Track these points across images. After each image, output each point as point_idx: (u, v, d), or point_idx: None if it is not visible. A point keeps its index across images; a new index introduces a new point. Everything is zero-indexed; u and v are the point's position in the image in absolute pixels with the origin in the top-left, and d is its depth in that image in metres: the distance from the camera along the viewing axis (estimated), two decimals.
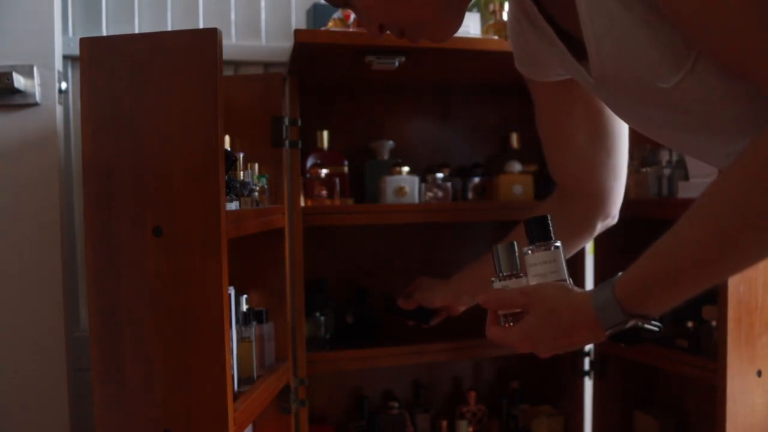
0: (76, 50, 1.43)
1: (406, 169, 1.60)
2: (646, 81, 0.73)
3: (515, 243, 0.89)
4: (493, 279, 0.90)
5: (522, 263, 0.89)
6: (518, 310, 0.85)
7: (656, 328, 0.77)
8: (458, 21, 0.89)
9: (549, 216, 0.88)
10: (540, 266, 0.86)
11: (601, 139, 1.10)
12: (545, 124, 1.14)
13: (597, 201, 1.16)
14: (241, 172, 1.20)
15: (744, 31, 0.63)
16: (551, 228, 0.87)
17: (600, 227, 1.20)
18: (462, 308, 1.41)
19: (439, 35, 0.89)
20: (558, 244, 0.87)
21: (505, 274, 0.89)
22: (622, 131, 1.11)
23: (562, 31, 0.84)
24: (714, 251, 0.68)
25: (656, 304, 0.75)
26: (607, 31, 0.72)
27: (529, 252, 0.87)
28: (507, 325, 0.86)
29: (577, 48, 0.81)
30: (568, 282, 0.86)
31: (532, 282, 0.86)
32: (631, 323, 0.75)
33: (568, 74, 0.96)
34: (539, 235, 0.87)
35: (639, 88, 0.75)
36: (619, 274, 0.77)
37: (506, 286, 0.88)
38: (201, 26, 1.66)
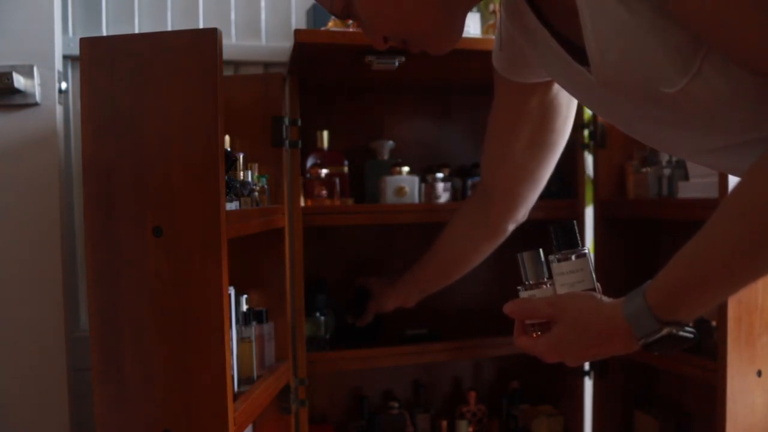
0: (76, 50, 1.43)
1: (406, 169, 1.60)
2: (650, 87, 0.72)
3: (541, 251, 0.87)
4: (519, 287, 0.88)
5: (549, 270, 0.87)
6: (545, 320, 0.84)
7: (691, 335, 0.75)
8: (459, 33, 0.90)
9: (575, 222, 0.86)
10: (567, 275, 0.84)
11: (539, 149, 1.16)
12: (496, 120, 1.19)
13: (511, 206, 1.26)
14: (241, 172, 1.20)
15: (763, 26, 0.62)
16: (578, 235, 0.85)
17: (510, 229, 1.32)
18: (413, 303, 1.54)
19: (442, 46, 0.90)
20: (586, 251, 0.85)
21: (531, 282, 0.87)
22: (557, 149, 1.18)
23: (558, 35, 0.84)
24: (745, 252, 0.67)
25: (689, 310, 0.74)
26: (612, 37, 0.72)
27: (556, 261, 0.85)
28: (534, 335, 0.85)
29: (575, 51, 0.81)
30: (596, 290, 0.84)
31: (560, 291, 0.85)
32: (665, 331, 0.74)
33: (553, 77, 0.95)
34: (566, 242, 0.84)
35: (642, 93, 0.75)
36: (648, 282, 0.76)
37: (533, 295, 0.86)
38: (201, 26, 1.66)
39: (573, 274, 0.84)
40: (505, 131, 1.17)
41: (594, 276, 0.85)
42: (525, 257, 0.87)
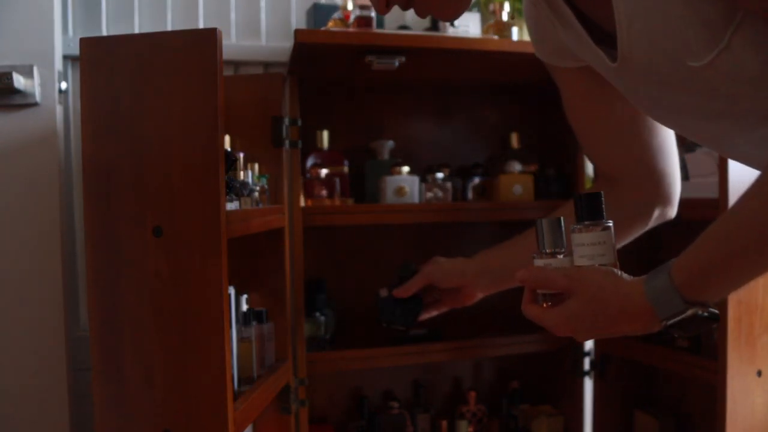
0: (76, 50, 1.43)
1: (406, 169, 1.60)
2: (676, 59, 0.70)
3: (562, 219, 0.83)
4: (533, 255, 0.83)
5: (568, 241, 0.82)
6: (559, 291, 0.80)
7: (714, 317, 0.72)
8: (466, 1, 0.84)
9: (602, 193, 0.81)
10: (588, 247, 0.79)
11: (640, 117, 1.03)
12: (577, 111, 1.07)
13: (652, 184, 1.07)
14: (241, 172, 1.20)
15: None
16: (603, 206, 0.80)
17: (657, 215, 1.10)
18: (478, 295, 1.26)
19: (448, 13, 0.84)
20: (609, 224, 0.80)
21: (547, 251, 0.82)
22: None
23: (581, 15, 0.81)
24: None
25: (717, 290, 0.72)
26: (641, 7, 0.69)
27: (577, 231, 0.80)
28: (545, 305, 0.81)
29: (597, 32, 0.79)
30: (616, 267, 0.80)
31: (578, 263, 0.80)
32: (689, 312, 0.71)
33: (582, 59, 0.92)
34: (590, 212, 0.80)
35: (667, 68, 0.72)
36: (672, 260, 0.73)
37: (548, 265, 0.81)
38: (201, 26, 1.66)
39: (594, 247, 0.79)
40: (592, 117, 1.06)
41: (615, 252, 0.81)
42: (543, 224, 0.82)
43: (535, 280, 0.81)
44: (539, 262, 0.83)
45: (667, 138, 1.05)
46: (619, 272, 0.78)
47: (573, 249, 0.81)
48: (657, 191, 1.07)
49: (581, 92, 1.04)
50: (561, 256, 0.82)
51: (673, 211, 1.10)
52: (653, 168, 1.05)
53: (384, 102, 1.79)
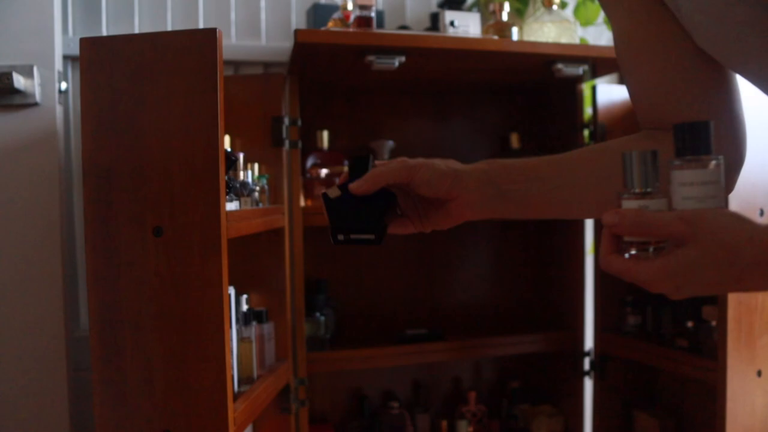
0: (76, 50, 1.43)
1: None
2: None
3: (658, 152, 0.67)
4: (622, 194, 0.67)
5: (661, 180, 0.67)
6: (661, 239, 0.64)
7: None
8: None
9: (710, 122, 0.64)
10: (695, 187, 0.64)
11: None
12: (637, 44, 0.85)
13: (724, 128, 0.81)
14: (241, 172, 1.20)
15: None
16: (712, 138, 0.64)
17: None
18: (465, 215, 0.85)
19: None
20: (721, 159, 0.65)
21: (637, 191, 0.67)
22: None
23: None
24: None
25: None
26: None
27: (678, 167, 0.65)
28: (629, 255, 0.66)
29: None
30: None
31: (680, 207, 0.64)
32: None
33: None
34: (695, 145, 0.65)
35: None
36: None
37: (644, 207, 0.65)
38: (201, 26, 1.66)
39: (703, 187, 0.64)
40: (655, 52, 0.83)
41: (725, 194, 0.66)
42: (634, 157, 0.67)
43: (634, 224, 0.63)
44: (631, 204, 0.66)
45: (737, 80, 0.83)
46: (746, 215, 0.62)
47: (672, 189, 0.66)
48: (730, 140, 0.83)
49: (648, 15, 0.82)
50: (656, 198, 0.67)
51: (734, 181, 0.85)
52: (728, 108, 0.82)
53: (384, 102, 1.79)
